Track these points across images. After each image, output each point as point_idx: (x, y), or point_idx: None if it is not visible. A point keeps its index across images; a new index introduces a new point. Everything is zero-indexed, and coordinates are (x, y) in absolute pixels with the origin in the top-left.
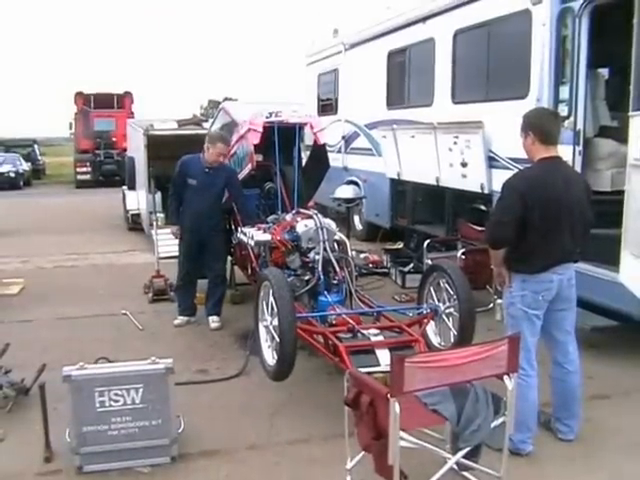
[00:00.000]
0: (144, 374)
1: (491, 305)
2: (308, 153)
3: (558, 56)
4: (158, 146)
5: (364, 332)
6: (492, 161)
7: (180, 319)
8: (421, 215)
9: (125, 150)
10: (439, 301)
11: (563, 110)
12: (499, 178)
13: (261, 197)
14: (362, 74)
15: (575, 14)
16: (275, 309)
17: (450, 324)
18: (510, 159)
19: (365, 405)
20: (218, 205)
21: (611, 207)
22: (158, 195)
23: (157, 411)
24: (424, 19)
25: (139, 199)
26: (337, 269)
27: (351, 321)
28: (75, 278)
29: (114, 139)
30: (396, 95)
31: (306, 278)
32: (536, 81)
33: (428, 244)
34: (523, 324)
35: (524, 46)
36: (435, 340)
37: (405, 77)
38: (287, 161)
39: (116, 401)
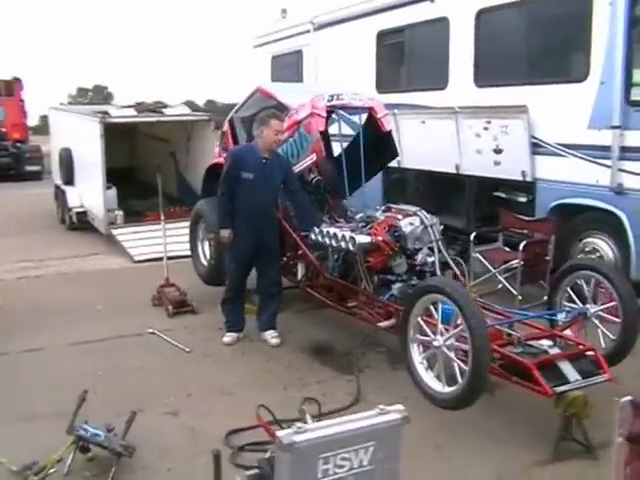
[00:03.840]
0: (377, 429)
1: (545, 298)
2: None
3: (630, 37)
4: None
5: (534, 344)
6: (536, 147)
7: (230, 336)
8: (425, 205)
9: (21, 141)
10: (583, 303)
11: (637, 94)
12: (544, 165)
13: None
14: (338, 55)
15: None
16: (458, 327)
17: (603, 328)
18: (561, 145)
19: None
20: (276, 202)
21: None
22: (113, 190)
23: (386, 472)
24: None
25: (84, 195)
26: (457, 272)
27: (513, 332)
28: (51, 291)
29: (3, 129)
30: (390, 78)
31: (413, 283)
32: (599, 63)
33: (474, 237)
34: None
35: (581, 26)
36: None
37: (403, 59)
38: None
39: (341, 467)
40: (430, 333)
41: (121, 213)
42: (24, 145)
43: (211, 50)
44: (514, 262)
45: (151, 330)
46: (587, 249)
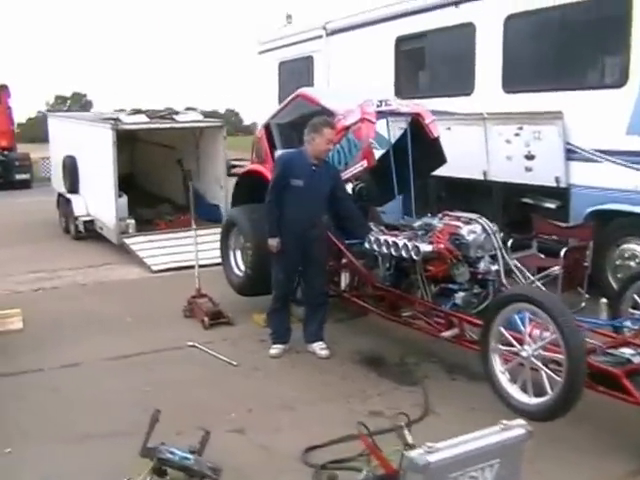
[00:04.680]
0: (503, 445)
1: (583, 305)
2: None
3: None
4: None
5: (615, 352)
6: (571, 153)
7: (277, 348)
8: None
9: (8, 149)
10: None
11: None
12: (579, 171)
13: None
14: (353, 61)
15: None
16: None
17: None
18: (598, 151)
19: None
20: (324, 210)
21: None
22: (124, 199)
23: None
24: (456, 3)
25: (91, 204)
26: (522, 281)
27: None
28: (73, 302)
29: None
30: (410, 83)
31: (475, 292)
32: (638, 69)
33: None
34: None
35: (620, 31)
36: None
37: (425, 65)
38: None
39: None
40: (515, 343)
41: (133, 222)
42: (12, 153)
43: (195, 57)
44: (554, 268)
45: (191, 343)
46: (626, 255)
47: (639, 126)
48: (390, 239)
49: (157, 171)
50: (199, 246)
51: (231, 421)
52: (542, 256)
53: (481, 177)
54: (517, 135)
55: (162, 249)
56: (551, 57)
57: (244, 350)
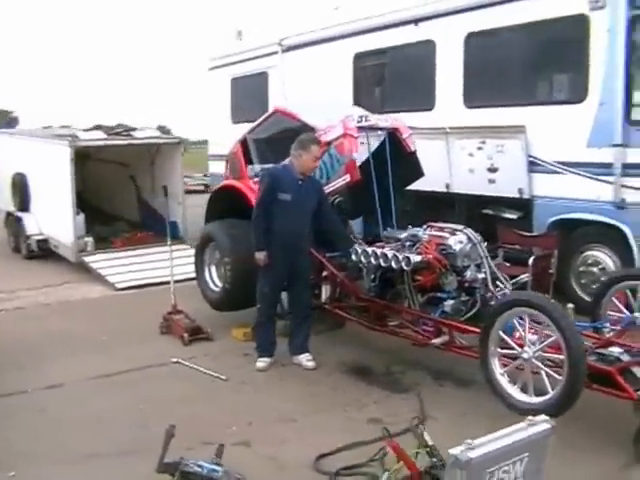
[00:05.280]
0: (530, 440)
1: None
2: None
3: (629, 62)
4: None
5: (604, 352)
6: (533, 165)
7: (263, 361)
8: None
9: None
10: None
11: (638, 114)
12: (542, 182)
13: None
14: (310, 77)
15: None
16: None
17: None
18: (560, 163)
19: None
20: (309, 224)
21: None
22: (81, 217)
23: None
24: (416, 21)
25: (44, 222)
26: (509, 288)
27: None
28: (41, 323)
29: None
30: (369, 98)
31: (463, 299)
32: (597, 86)
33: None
34: None
35: (579, 51)
36: None
37: (384, 80)
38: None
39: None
40: (515, 346)
41: (91, 240)
42: None
43: (124, 74)
44: (523, 276)
45: (175, 359)
46: (589, 261)
47: (599, 139)
48: (379, 251)
49: (108, 188)
50: (162, 263)
51: (234, 435)
52: (507, 264)
53: (444, 189)
54: (480, 149)
55: (123, 267)
56: (513, 74)
57: (228, 365)
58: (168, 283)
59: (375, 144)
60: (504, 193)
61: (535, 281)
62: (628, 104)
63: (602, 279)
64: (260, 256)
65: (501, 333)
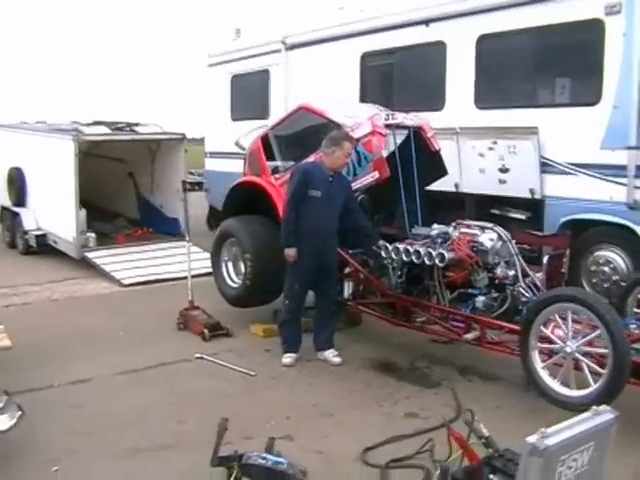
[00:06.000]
0: (597, 429)
1: None
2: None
3: None
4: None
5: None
6: (546, 166)
7: (290, 357)
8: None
9: None
10: None
11: None
12: (554, 183)
13: None
14: (314, 75)
15: None
16: (600, 334)
17: None
18: (572, 164)
19: None
20: (338, 220)
21: None
22: (83, 212)
23: (597, 471)
24: (426, 22)
25: (42, 217)
26: (539, 284)
27: None
28: (52, 318)
29: None
30: (376, 98)
31: (494, 296)
32: (611, 89)
33: None
34: None
35: (593, 55)
36: None
37: (392, 80)
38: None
39: (570, 468)
40: (557, 340)
41: (94, 235)
42: None
43: (100, 70)
44: (537, 275)
45: (199, 355)
46: (600, 261)
47: (612, 141)
48: (411, 247)
49: (106, 185)
50: (166, 259)
51: (275, 429)
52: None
53: (453, 189)
54: (491, 149)
55: (126, 263)
56: (526, 76)
57: (253, 361)
58: (175, 280)
59: (398, 142)
60: (515, 193)
61: (547, 280)
62: None
63: (628, 278)
64: (290, 252)
65: (543, 327)
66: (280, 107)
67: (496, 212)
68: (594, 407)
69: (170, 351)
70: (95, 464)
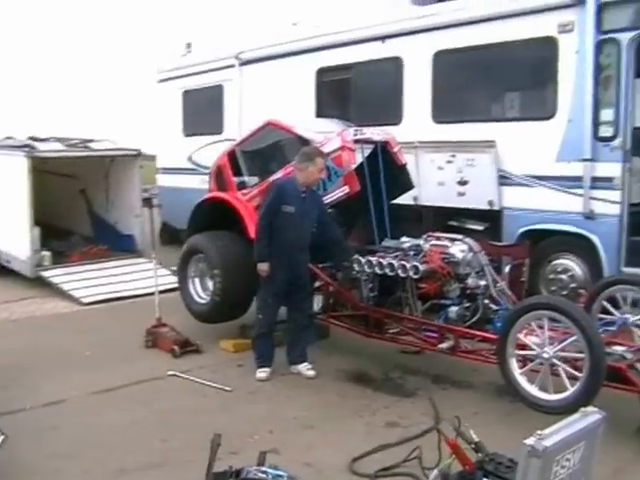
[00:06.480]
0: (588, 429)
1: None
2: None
3: (597, 83)
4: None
5: (609, 350)
6: (503, 179)
7: (265, 371)
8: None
9: None
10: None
11: (607, 131)
12: (512, 195)
13: None
14: (269, 90)
15: (620, 45)
16: (577, 340)
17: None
18: (529, 176)
19: None
20: (310, 236)
21: None
22: (37, 230)
23: (586, 469)
24: (383, 38)
25: None
26: (509, 293)
27: None
28: (14, 339)
29: None
30: (332, 113)
31: (467, 305)
32: (566, 104)
33: None
34: None
35: (548, 72)
36: None
37: (349, 95)
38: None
39: (563, 467)
40: (534, 346)
41: (49, 254)
42: None
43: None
44: (499, 284)
45: (171, 372)
46: (558, 269)
47: (567, 153)
48: (384, 260)
49: (57, 202)
50: (124, 277)
51: (259, 443)
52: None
53: (411, 202)
54: (450, 162)
55: (84, 281)
56: (483, 91)
57: (227, 376)
58: (136, 297)
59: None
60: (474, 205)
61: (511, 288)
62: (596, 121)
63: (591, 286)
64: (263, 267)
65: (520, 335)
66: (234, 122)
67: (454, 224)
68: (582, 408)
69: (141, 369)
70: None
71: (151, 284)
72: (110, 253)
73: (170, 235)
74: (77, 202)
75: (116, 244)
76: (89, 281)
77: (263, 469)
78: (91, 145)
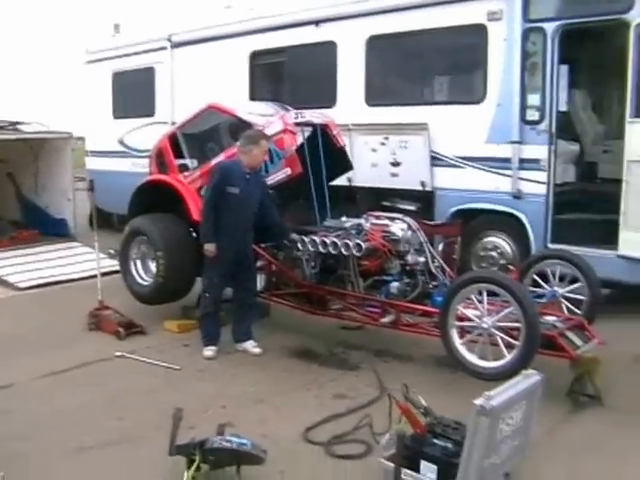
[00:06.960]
0: (529, 390)
1: None
2: None
3: (524, 68)
4: None
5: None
6: (435, 160)
7: (211, 349)
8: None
9: None
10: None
11: (533, 115)
12: (443, 175)
13: None
14: (201, 73)
15: (545, 34)
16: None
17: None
18: (460, 158)
19: None
20: (255, 216)
21: None
22: None
23: (526, 428)
24: (317, 22)
25: None
26: (447, 269)
27: None
28: None
29: None
30: (265, 96)
31: (407, 281)
32: (495, 88)
33: None
34: None
35: (478, 57)
36: None
37: (283, 78)
38: None
39: (508, 424)
40: (473, 317)
41: None
42: None
43: None
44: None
45: (119, 353)
46: (488, 247)
47: (497, 136)
48: (328, 239)
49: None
50: (58, 261)
51: (213, 417)
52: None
53: (346, 183)
54: (383, 144)
55: (17, 266)
56: (416, 75)
57: (174, 356)
58: (73, 281)
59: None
60: (407, 186)
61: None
62: (523, 106)
63: (520, 262)
64: (210, 247)
65: (459, 307)
66: (166, 105)
67: (387, 204)
68: (524, 371)
69: (87, 351)
70: (42, 466)
71: (87, 268)
72: (41, 237)
73: (100, 219)
74: (4, 186)
75: (48, 228)
76: (23, 266)
77: (227, 438)
78: (20, 128)
